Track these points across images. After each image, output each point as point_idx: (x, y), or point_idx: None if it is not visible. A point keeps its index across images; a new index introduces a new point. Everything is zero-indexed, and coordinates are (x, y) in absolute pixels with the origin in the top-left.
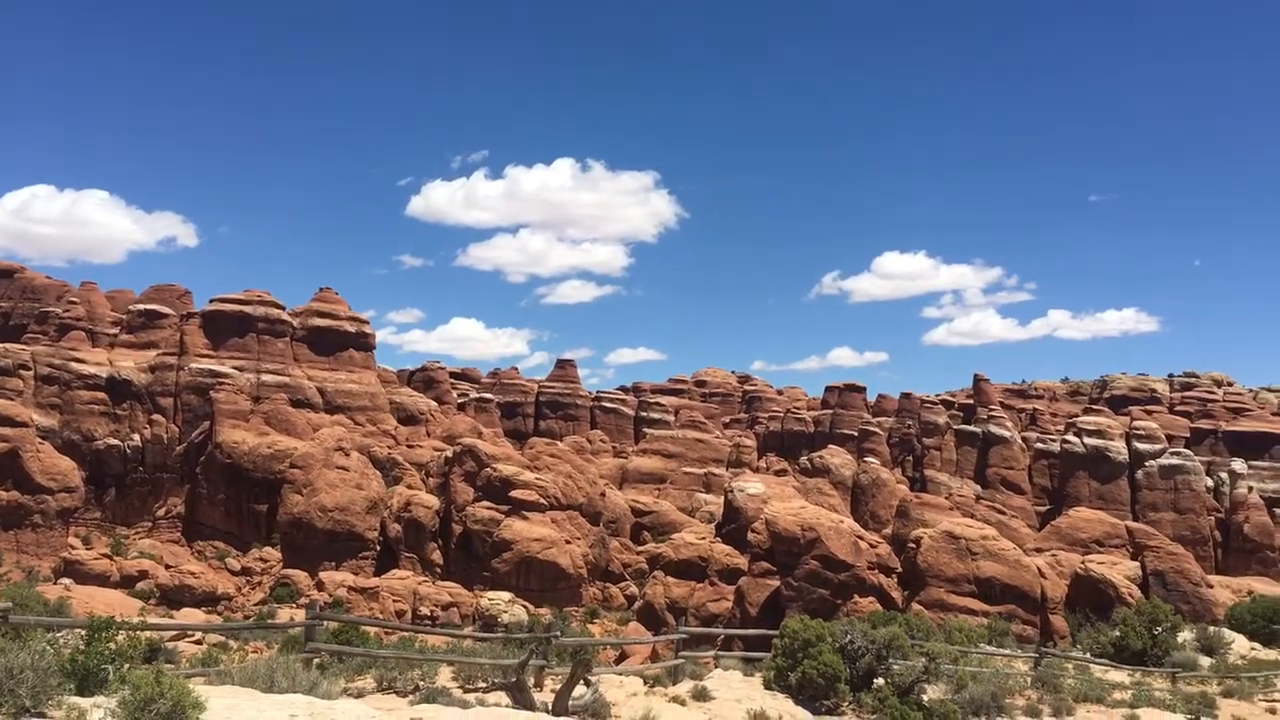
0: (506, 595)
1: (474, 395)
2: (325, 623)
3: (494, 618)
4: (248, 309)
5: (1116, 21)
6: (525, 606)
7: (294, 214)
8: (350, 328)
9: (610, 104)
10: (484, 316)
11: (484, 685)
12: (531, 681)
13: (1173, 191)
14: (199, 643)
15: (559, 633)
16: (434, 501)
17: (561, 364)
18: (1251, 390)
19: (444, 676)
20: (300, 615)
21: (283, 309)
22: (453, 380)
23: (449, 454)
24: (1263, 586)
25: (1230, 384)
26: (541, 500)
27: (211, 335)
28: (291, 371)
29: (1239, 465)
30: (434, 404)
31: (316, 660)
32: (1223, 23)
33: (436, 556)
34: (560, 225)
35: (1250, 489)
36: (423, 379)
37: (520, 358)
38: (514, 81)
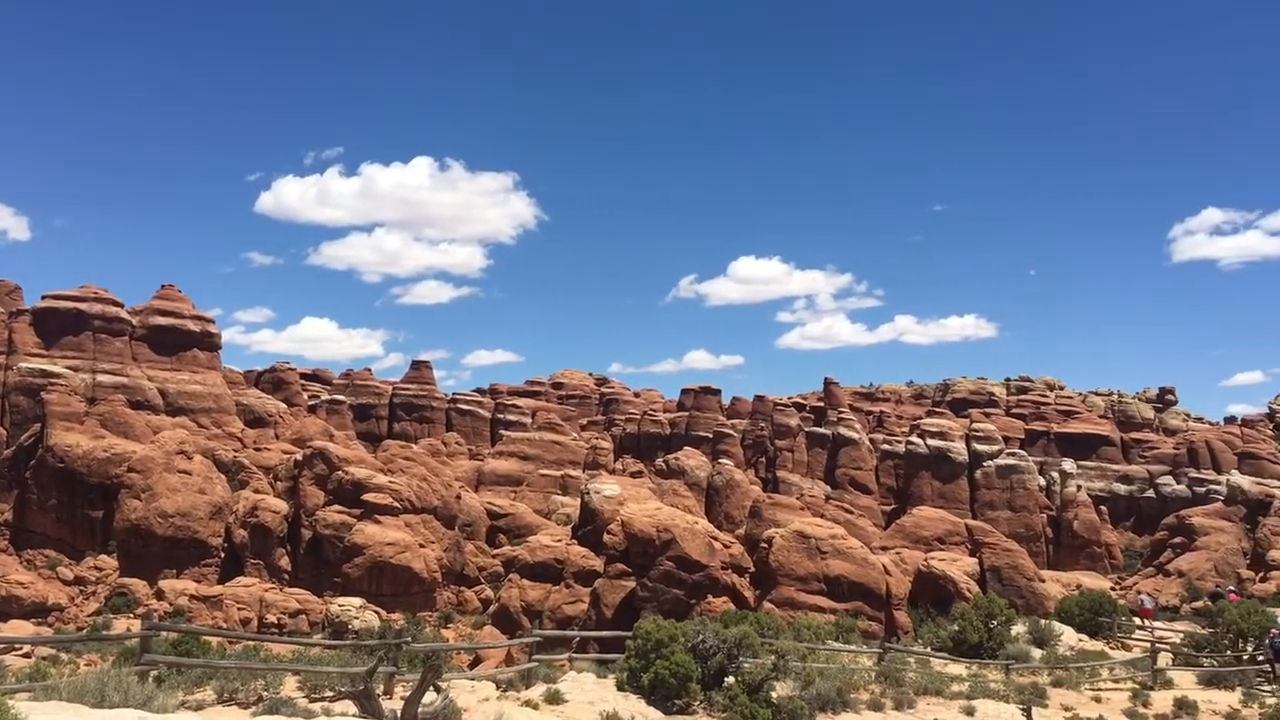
0: (358, 601)
1: (326, 397)
2: (163, 633)
3: (344, 625)
4: (83, 306)
5: (959, 31)
6: (377, 612)
7: (135, 208)
8: (194, 327)
9: (470, 104)
10: (337, 316)
11: (331, 694)
12: (381, 689)
13: (1010, 202)
14: (28, 656)
15: (410, 638)
16: (282, 506)
17: (417, 365)
18: (1081, 394)
19: (289, 686)
20: (137, 626)
21: (121, 306)
22: (303, 381)
23: (299, 457)
24: (1090, 580)
25: (1061, 388)
26: (395, 504)
27: (43, 333)
28: (130, 372)
29: (1069, 465)
30: (283, 406)
31: (153, 673)
32: (1062, 34)
33: (285, 563)
34: (417, 225)
35: (1079, 488)
36: (271, 380)
37: (375, 359)
38: (371, 77)
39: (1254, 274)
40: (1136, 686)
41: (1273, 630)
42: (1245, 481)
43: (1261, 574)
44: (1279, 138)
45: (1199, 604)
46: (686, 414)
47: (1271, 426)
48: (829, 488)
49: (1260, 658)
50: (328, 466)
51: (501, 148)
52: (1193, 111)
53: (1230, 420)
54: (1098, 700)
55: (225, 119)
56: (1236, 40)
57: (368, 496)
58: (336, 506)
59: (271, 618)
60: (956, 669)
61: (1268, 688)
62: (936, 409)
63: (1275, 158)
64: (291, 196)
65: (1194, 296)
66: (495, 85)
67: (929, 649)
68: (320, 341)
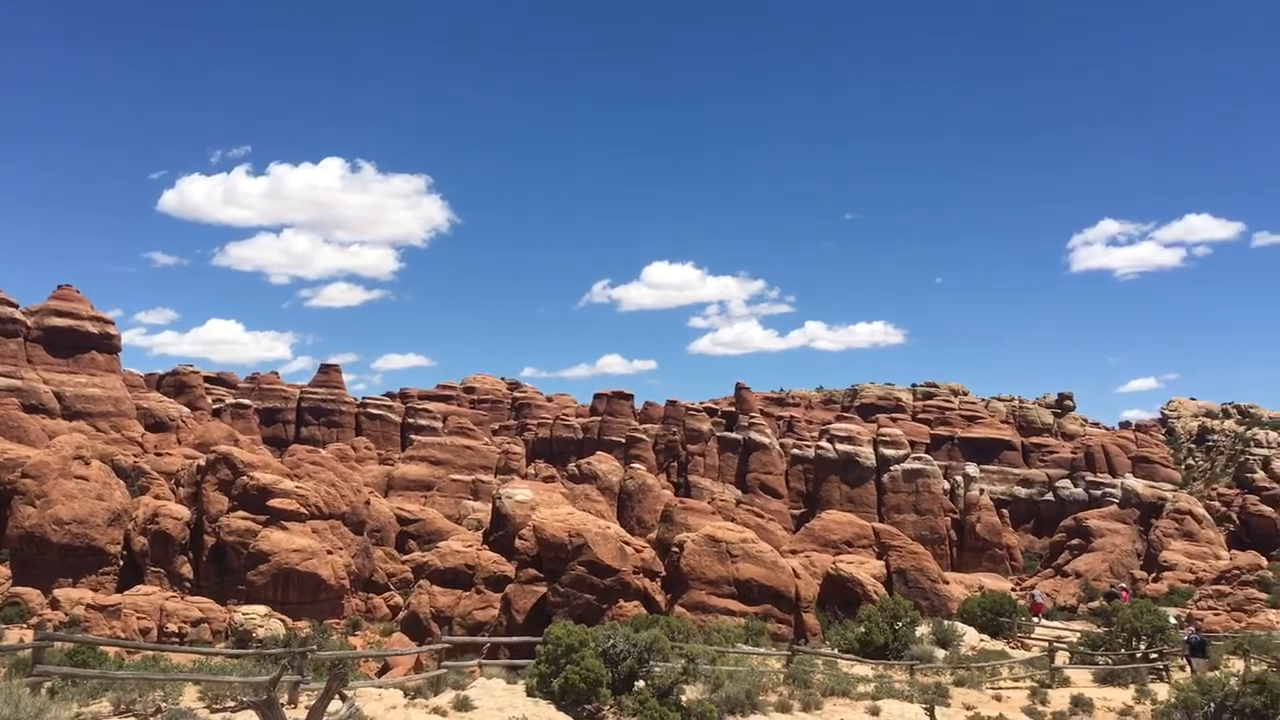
0: (262, 609)
1: (230, 401)
2: (57, 643)
3: (248, 633)
4: None
5: (869, 41)
6: (283, 620)
7: (31, 205)
8: (93, 328)
9: (383, 105)
10: (243, 319)
11: (233, 704)
12: (285, 699)
13: (918, 211)
14: None
15: (316, 646)
16: (184, 512)
17: (326, 369)
18: (984, 399)
19: (189, 697)
20: (30, 636)
21: (15, 307)
22: (207, 385)
23: (202, 462)
24: (992, 581)
25: (965, 394)
26: (302, 510)
27: None
28: (24, 374)
29: (972, 469)
30: (186, 410)
31: (47, 684)
32: (966, 47)
33: (187, 570)
34: (327, 226)
35: (982, 491)
36: (174, 383)
37: (282, 362)
38: (281, 76)
39: (1148, 284)
40: (1035, 685)
41: (1189, 627)
42: (1139, 485)
43: (1154, 574)
44: (1172, 151)
45: (1095, 604)
46: (599, 419)
47: (1164, 432)
48: (740, 492)
49: (1154, 655)
50: (232, 472)
51: (414, 150)
52: (1090, 124)
53: (1125, 425)
54: (998, 699)
55: (127, 115)
56: (1131, 56)
57: (274, 502)
58: (241, 513)
59: (172, 627)
60: (863, 670)
61: (1184, 675)
62: (845, 414)
63: (1168, 171)
64: (197, 195)
65: (1091, 305)
66: (408, 87)
67: (836, 651)
68: (226, 344)
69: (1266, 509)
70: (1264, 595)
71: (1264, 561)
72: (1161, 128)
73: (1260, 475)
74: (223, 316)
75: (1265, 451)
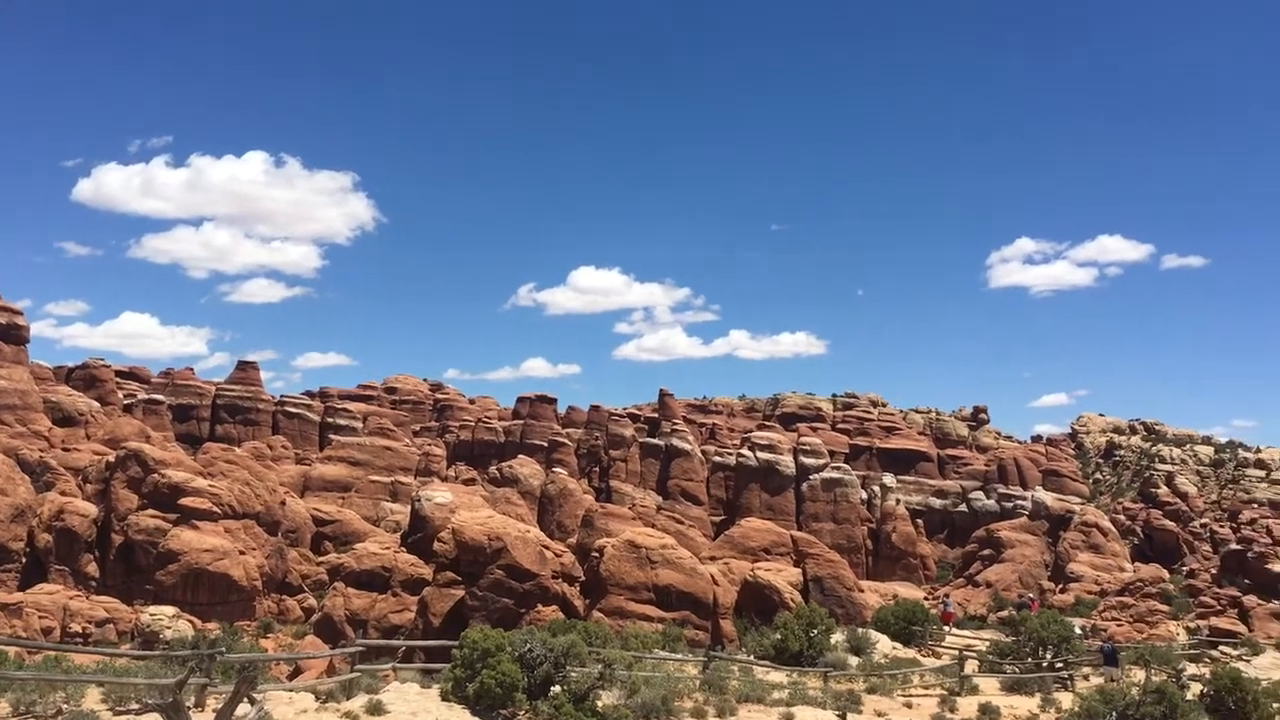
0: (170, 610)
1: (143, 396)
2: None
3: (155, 634)
4: None
5: (798, 52)
6: (192, 622)
7: None
8: None
9: (310, 100)
10: (159, 312)
11: (137, 707)
12: (192, 702)
13: (842, 225)
14: None
15: (225, 648)
16: (92, 510)
17: (243, 365)
18: (902, 411)
19: (92, 699)
20: None
21: None
22: (119, 379)
23: (111, 458)
24: (906, 590)
25: (884, 405)
26: (214, 509)
27: None
28: None
29: (889, 479)
30: (96, 404)
31: None
32: (893, 63)
33: (93, 569)
34: (249, 221)
35: (898, 501)
36: (84, 377)
37: (199, 358)
38: (205, 64)
39: (1062, 302)
40: (945, 692)
41: (1104, 633)
42: (1048, 498)
43: (1061, 585)
44: (1087, 173)
45: (1004, 613)
46: (522, 422)
47: (1073, 446)
48: (661, 498)
49: (1059, 664)
50: (142, 469)
51: (342, 146)
52: (1010, 144)
53: (1036, 439)
54: (909, 706)
55: (40, 100)
56: (1049, 77)
57: (185, 501)
58: (151, 511)
59: (76, 627)
60: (778, 676)
61: (1103, 683)
62: (767, 423)
63: (1083, 192)
64: (113, 185)
65: (1007, 321)
66: (338, 82)
67: (752, 657)
68: (140, 338)
69: (1169, 523)
70: (1165, 607)
71: (1165, 574)
72: (1078, 149)
73: (1163, 490)
74: (137, 310)
75: (1168, 468)
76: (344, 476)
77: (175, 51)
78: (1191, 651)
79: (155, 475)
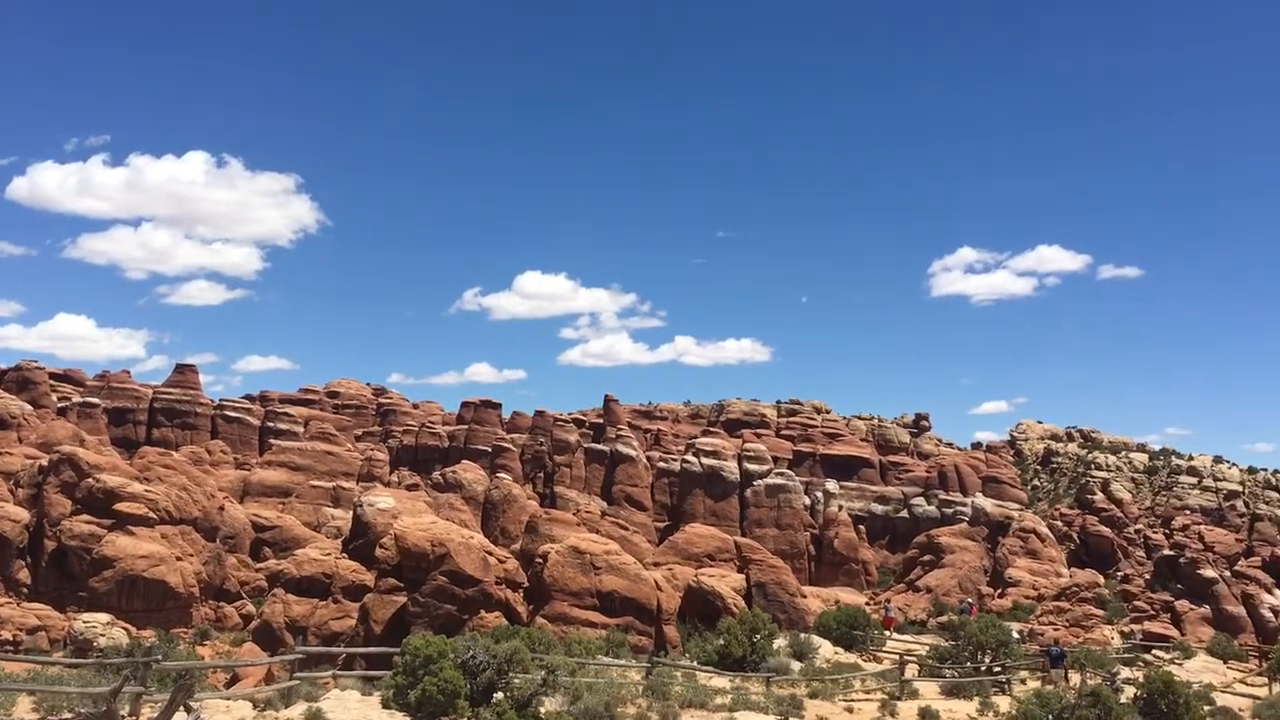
0: (105, 617)
1: (78, 399)
2: None
3: (89, 642)
4: None
5: (743, 60)
6: (127, 629)
7: None
8: None
9: (253, 100)
10: (95, 314)
11: (70, 716)
12: (126, 710)
13: (787, 232)
14: None
15: (161, 656)
16: (23, 515)
17: (181, 369)
18: (845, 418)
19: (23, 707)
20: None
21: None
22: (53, 382)
23: (44, 463)
24: (847, 596)
25: (828, 411)
26: (151, 514)
27: None
28: None
29: (832, 485)
30: (29, 407)
31: None
32: (836, 72)
33: (24, 575)
34: (189, 222)
35: (840, 507)
36: (16, 379)
37: (136, 361)
38: (146, 62)
39: (1002, 311)
40: (886, 697)
41: (1041, 636)
42: (988, 504)
43: (1000, 590)
44: (1028, 184)
45: (944, 618)
46: (466, 427)
47: (1012, 453)
48: (606, 504)
49: (997, 669)
50: (76, 473)
51: (285, 148)
52: (952, 153)
53: (977, 446)
54: (850, 710)
55: None
56: (990, 90)
57: (120, 506)
58: (85, 516)
59: (6, 634)
60: (721, 682)
61: (1053, 684)
62: (711, 429)
63: (1023, 203)
64: (49, 184)
65: (948, 329)
66: (281, 83)
67: (696, 663)
68: (75, 340)
69: (1104, 529)
70: (1100, 611)
71: (1101, 579)
72: (1019, 160)
73: (1099, 497)
74: (72, 311)
75: (1104, 474)
76: (284, 482)
77: (115, 48)
78: (1126, 655)
79: (90, 480)
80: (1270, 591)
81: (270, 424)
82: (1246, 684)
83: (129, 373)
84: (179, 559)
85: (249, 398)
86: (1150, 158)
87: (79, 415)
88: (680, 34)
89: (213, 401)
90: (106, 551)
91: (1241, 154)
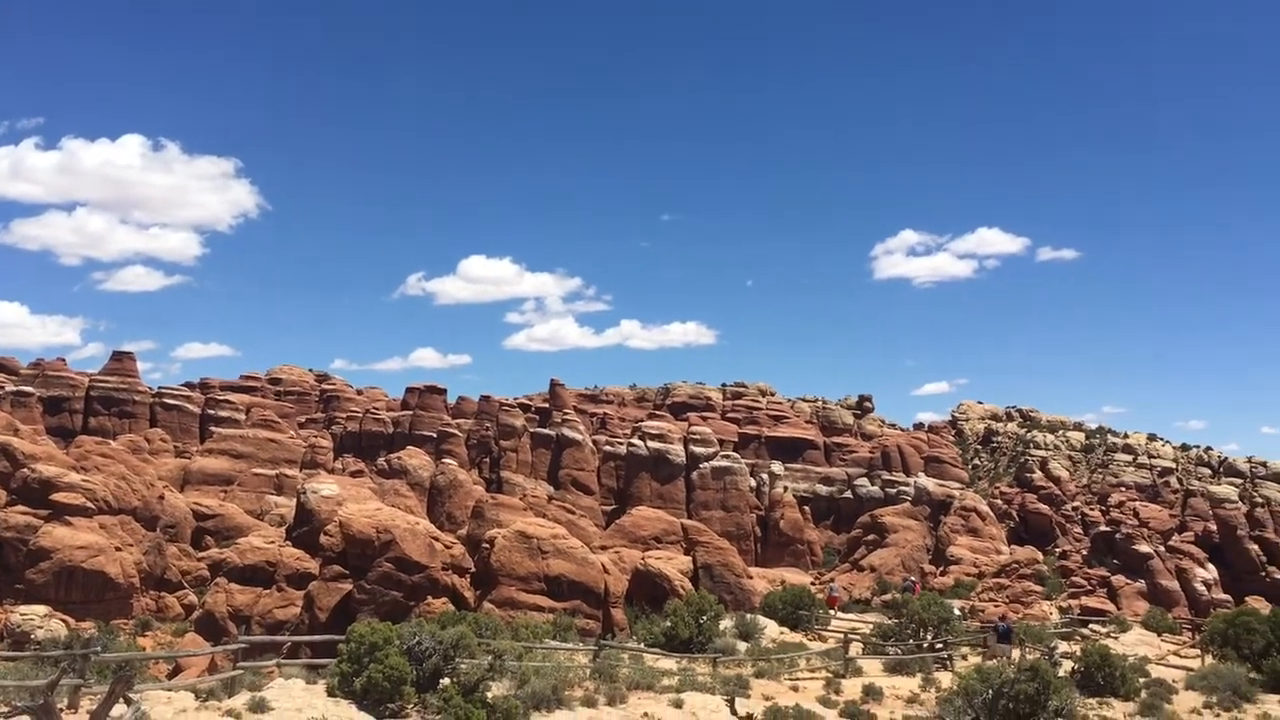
0: (42, 609)
1: (11, 388)
2: None
3: (26, 634)
4: None
5: (684, 44)
6: (65, 621)
7: None
8: None
9: (190, 83)
10: (28, 301)
11: (6, 709)
12: (65, 704)
13: (732, 215)
14: None
15: (100, 648)
16: None
17: (119, 356)
18: (790, 400)
19: None
20: None
21: None
22: None
23: None
24: (793, 576)
25: (773, 394)
26: (89, 504)
27: None
28: None
29: (777, 467)
30: None
31: None
32: (777, 54)
33: None
34: (125, 207)
35: (786, 489)
36: None
37: (71, 348)
38: (81, 45)
39: (943, 293)
40: (830, 675)
41: (996, 613)
42: (930, 483)
43: (942, 569)
44: (968, 166)
45: (887, 596)
46: (410, 413)
47: (953, 433)
48: (552, 488)
49: (939, 645)
50: (11, 464)
51: (223, 132)
52: (893, 136)
53: (919, 427)
54: (795, 689)
55: None
56: (928, 76)
57: (57, 496)
58: (20, 507)
59: None
60: (668, 663)
61: (998, 659)
62: (657, 412)
63: (963, 185)
64: None
65: (891, 311)
66: (220, 65)
67: (643, 645)
68: (8, 328)
69: (1043, 507)
70: (1039, 588)
71: (1040, 556)
72: (959, 143)
73: (1038, 475)
74: (5, 298)
75: (1043, 453)
76: (226, 470)
77: (48, 29)
78: (1064, 630)
79: (25, 470)
80: (1203, 566)
81: (211, 411)
82: (1180, 656)
83: (64, 361)
84: (118, 549)
85: (189, 385)
86: (1087, 143)
87: (13, 404)
88: (624, 21)
89: (151, 389)
90: (43, 543)
91: (1175, 140)
